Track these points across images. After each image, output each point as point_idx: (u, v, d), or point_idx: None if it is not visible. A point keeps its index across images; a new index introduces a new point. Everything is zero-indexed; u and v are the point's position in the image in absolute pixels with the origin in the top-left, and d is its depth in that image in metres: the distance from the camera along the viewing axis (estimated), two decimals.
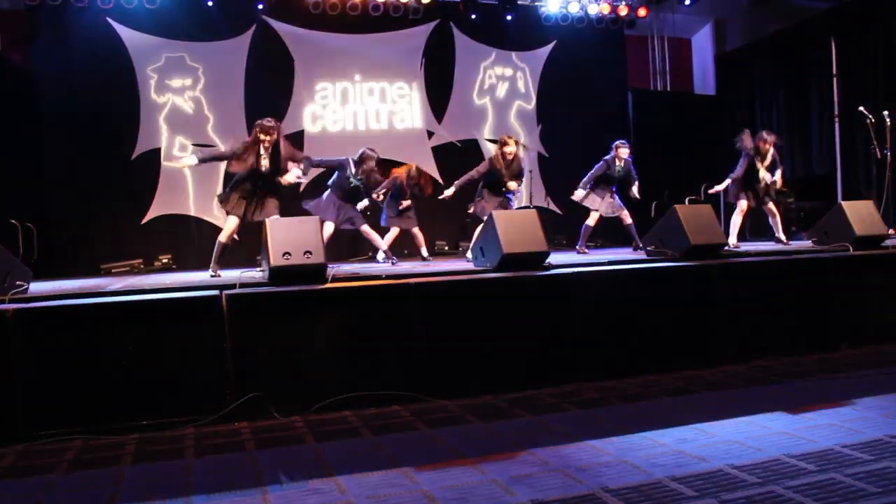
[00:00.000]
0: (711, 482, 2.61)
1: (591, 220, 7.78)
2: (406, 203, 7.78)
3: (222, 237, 5.88)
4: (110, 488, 2.89)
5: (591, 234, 7.96)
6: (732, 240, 7.22)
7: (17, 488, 2.96)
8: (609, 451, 3.04)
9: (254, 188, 5.80)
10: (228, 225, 5.85)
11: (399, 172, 7.85)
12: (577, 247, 7.96)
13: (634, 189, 7.72)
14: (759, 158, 7.20)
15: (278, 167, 5.79)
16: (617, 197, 7.80)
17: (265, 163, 5.71)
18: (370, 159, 6.95)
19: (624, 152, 7.68)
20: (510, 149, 6.97)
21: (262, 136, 5.68)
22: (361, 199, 7.14)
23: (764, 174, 7.23)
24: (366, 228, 7.09)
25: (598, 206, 7.71)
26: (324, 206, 6.95)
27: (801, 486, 2.54)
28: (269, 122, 5.75)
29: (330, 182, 7.11)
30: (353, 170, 6.90)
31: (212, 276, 5.73)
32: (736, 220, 7.37)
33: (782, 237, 7.40)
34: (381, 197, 7.56)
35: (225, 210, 5.93)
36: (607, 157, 7.73)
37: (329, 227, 6.93)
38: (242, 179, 5.79)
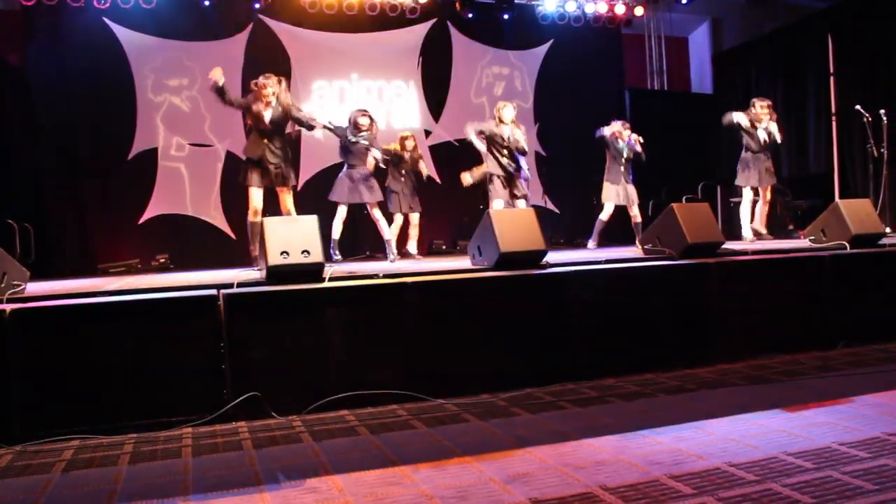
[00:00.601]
0: (709, 480, 2.62)
1: (605, 215, 7.57)
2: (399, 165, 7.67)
3: (250, 216, 5.88)
4: (108, 488, 2.89)
5: (589, 233, 7.86)
6: (747, 233, 7.08)
7: (13, 489, 2.96)
8: (607, 450, 3.05)
9: (265, 155, 5.81)
10: (251, 201, 5.84)
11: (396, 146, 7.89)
12: (588, 243, 7.81)
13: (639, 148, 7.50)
14: (757, 123, 7.11)
15: (284, 124, 5.85)
16: (631, 187, 7.60)
17: (268, 114, 5.75)
18: (361, 116, 7.04)
19: (626, 134, 7.49)
20: (508, 112, 6.90)
21: (261, 88, 5.74)
22: (372, 155, 7.08)
23: (765, 133, 7.08)
24: (376, 214, 7.05)
25: (612, 197, 7.51)
26: (337, 188, 6.99)
27: (799, 483, 2.54)
28: (267, 75, 5.82)
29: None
30: (352, 130, 6.99)
31: (256, 256, 5.67)
32: (745, 211, 7.22)
33: (760, 229, 7.24)
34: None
35: (245, 185, 5.90)
36: (607, 137, 7.61)
37: (343, 211, 6.94)
38: (252, 151, 5.82)
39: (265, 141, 5.82)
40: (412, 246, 7.89)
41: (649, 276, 4.95)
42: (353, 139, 6.96)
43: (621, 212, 7.65)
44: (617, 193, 7.51)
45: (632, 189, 7.57)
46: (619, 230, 8.25)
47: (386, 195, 7.77)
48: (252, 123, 5.89)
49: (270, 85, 5.78)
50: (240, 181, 5.98)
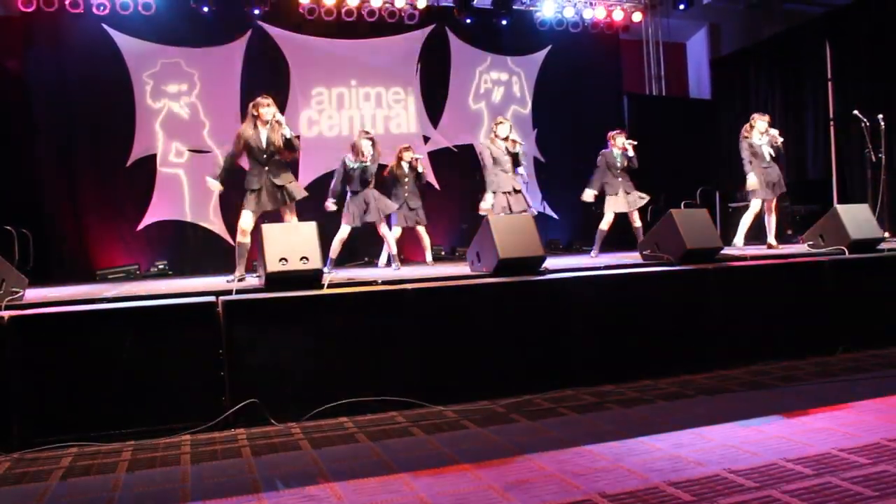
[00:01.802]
0: (708, 487, 2.61)
1: (605, 224, 7.63)
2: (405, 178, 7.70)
3: (238, 236, 5.71)
4: (106, 496, 2.88)
5: (587, 238, 7.89)
6: (739, 241, 7.08)
7: (11, 496, 2.95)
8: (606, 456, 3.04)
9: (261, 176, 5.66)
10: (241, 221, 5.66)
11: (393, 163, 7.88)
12: (591, 253, 7.83)
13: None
14: (757, 134, 7.13)
15: (277, 145, 5.67)
16: (633, 193, 7.63)
17: (262, 137, 5.64)
18: (362, 137, 6.95)
19: (620, 141, 7.55)
20: (503, 129, 6.94)
21: (256, 112, 5.67)
22: (371, 180, 7.00)
23: (770, 148, 7.08)
24: (384, 230, 7.05)
25: (612, 205, 7.55)
26: (347, 212, 6.99)
27: (798, 490, 2.53)
28: (263, 98, 5.74)
29: (337, 186, 7.10)
30: (351, 158, 6.91)
31: (239, 279, 5.50)
32: (746, 220, 7.20)
33: (773, 241, 7.28)
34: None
35: (241, 206, 5.76)
36: (604, 150, 7.68)
37: (345, 232, 6.93)
38: (251, 182, 5.68)
39: (264, 168, 5.66)
40: (427, 256, 8.02)
41: (648, 282, 4.95)
42: (353, 165, 6.91)
43: (622, 217, 7.68)
44: (616, 202, 7.55)
45: (633, 195, 7.60)
46: (618, 236, 8.26)
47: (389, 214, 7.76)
48: (247, 151, 5.66)
49: (269, 106, 5.68)
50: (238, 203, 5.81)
